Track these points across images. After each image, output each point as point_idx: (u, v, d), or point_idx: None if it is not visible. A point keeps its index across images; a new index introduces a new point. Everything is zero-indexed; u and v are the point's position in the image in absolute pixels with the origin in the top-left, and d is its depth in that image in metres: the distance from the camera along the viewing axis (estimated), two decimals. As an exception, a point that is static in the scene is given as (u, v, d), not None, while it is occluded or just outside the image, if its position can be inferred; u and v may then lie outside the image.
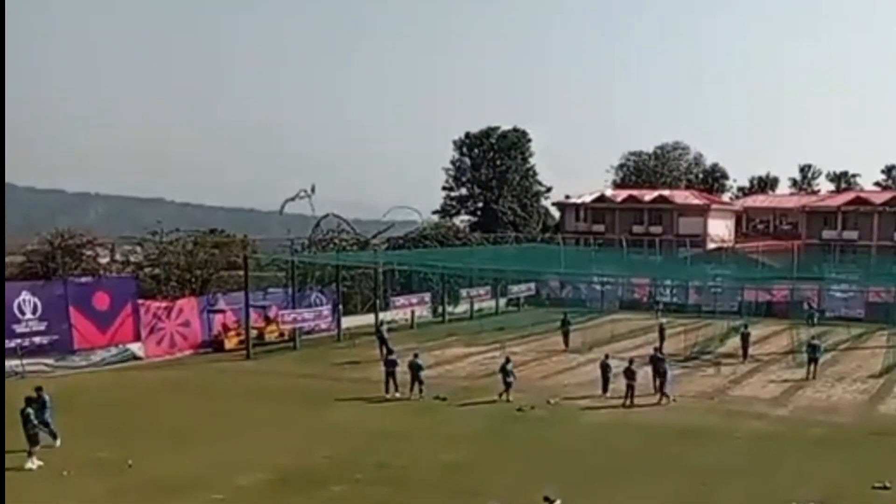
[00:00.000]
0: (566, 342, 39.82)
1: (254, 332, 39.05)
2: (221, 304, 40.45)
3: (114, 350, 35.98)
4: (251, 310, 38.89)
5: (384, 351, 35.32)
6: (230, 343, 39.15)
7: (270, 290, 43.68)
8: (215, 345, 39.21)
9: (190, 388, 31.50)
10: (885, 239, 74.10)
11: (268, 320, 40.93)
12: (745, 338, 37.91)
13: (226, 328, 39.87)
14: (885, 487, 19.51)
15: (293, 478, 20.45)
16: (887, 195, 79.93)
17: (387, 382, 29.45)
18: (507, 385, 28.78)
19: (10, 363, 32.14)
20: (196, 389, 31.18)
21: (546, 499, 15.09)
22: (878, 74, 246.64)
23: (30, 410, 21.46)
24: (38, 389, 22.82)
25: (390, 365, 29.79)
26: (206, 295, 41.14)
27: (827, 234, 76.77)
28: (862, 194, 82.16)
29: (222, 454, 22.22)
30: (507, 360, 29.82)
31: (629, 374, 28.46)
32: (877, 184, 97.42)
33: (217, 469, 20.90)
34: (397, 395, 29.24)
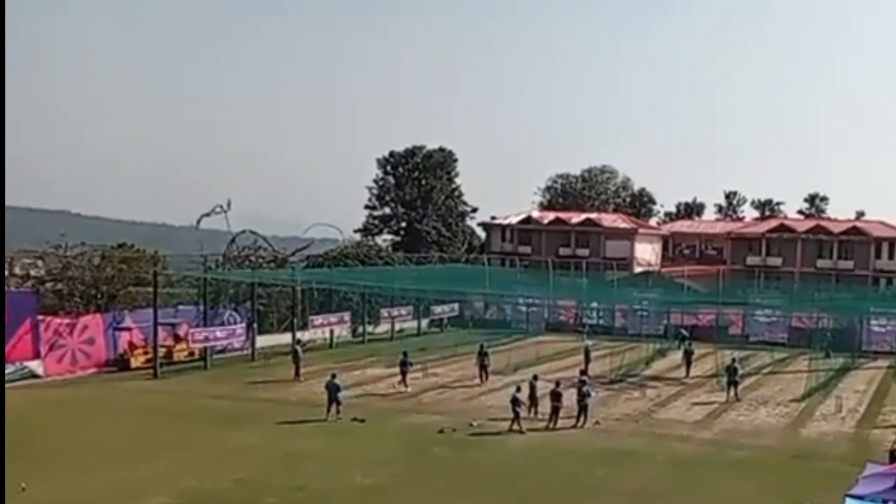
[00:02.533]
0: (483, 375, 35.85)
1: (162, 351, 37.71)
2: (128, 322, 39.00)
3: (11, 368, 34.01)
4: (160, 328, 37.57)
5: (298, 370, 35.25)
6: (136, 361, 37.76)
7: (181, 307, 42.35)
8: (121, 363, 37.71)
9: (92, 408, 30.34)
10: (808, 265, 75.67)
11: (177, 338, 39.60)
12: (688, 354, 39.04)
13: (132, 346, 38.36)
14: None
15: (198, 502, 19.71)
16: (810, 223, 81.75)
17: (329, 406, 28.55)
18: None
19: None
20: (99, 409, 30.07)
21: None
22: (803, 106, 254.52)
23: None
24: None
25: (333, 389, 28.73)
26: (112, 311, 39.66)
27: (751, 259, 78.26)
28: (786, 222, 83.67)
29: (123, 477, 21.43)
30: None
31: (555, 396, 27.97)
32: (800, 212, 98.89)
33: (117, 493, 20.19)
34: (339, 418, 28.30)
